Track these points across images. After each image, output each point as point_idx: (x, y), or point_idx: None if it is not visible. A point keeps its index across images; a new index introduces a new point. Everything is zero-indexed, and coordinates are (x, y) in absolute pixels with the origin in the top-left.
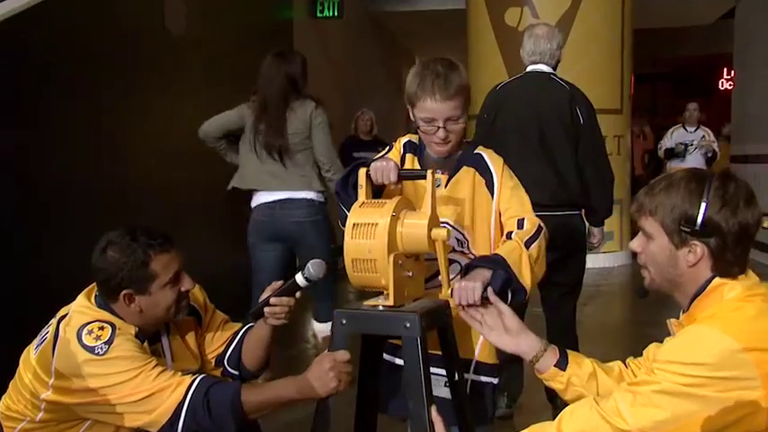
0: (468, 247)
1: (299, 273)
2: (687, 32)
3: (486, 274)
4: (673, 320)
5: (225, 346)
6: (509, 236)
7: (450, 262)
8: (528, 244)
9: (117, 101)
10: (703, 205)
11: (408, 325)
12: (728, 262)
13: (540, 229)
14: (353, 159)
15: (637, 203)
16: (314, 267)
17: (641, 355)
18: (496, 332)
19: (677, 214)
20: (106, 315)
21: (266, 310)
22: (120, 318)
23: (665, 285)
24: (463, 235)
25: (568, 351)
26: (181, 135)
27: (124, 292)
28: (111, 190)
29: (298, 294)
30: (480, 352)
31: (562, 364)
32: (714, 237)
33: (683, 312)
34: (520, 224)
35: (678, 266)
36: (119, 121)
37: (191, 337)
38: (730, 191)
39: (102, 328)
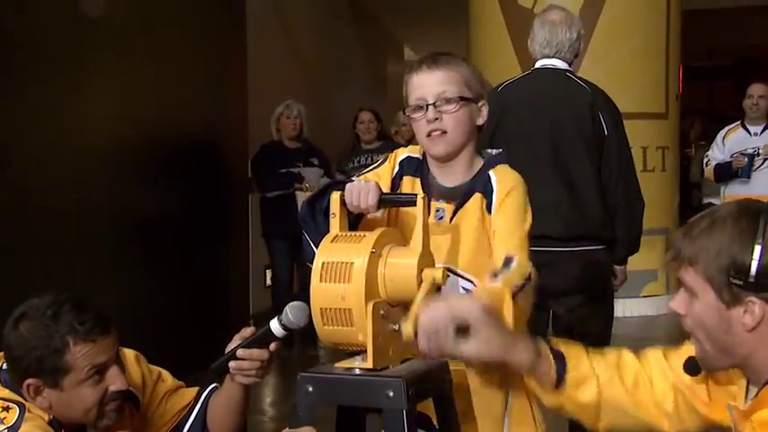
0: None
1: (275, 318)
2: (753, 14)
3: (457, 305)
4: (735, 405)
5: (180, 418)
6: (494, 276)
7: None
8: (514, 294)
9: (12, 98)
10: (758, 249)
11: (391, 394)
12: None
13: (528, 278)
14: (276, 175)
15: (673, 250)
16: (293, 312)
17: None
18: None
19: (724, 262)
20: (12, 394)
21: (232, 364)
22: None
23: (721, 359)
24: (472, 282)
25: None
26: (99, 140)
27: (29, 381)
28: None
29: (273, 346)
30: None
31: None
32: None
33: (750, 391)
34: (507, 263)
35: (733, 332)
36: (15, 124)
37: None
38: None
39: (6, 410)
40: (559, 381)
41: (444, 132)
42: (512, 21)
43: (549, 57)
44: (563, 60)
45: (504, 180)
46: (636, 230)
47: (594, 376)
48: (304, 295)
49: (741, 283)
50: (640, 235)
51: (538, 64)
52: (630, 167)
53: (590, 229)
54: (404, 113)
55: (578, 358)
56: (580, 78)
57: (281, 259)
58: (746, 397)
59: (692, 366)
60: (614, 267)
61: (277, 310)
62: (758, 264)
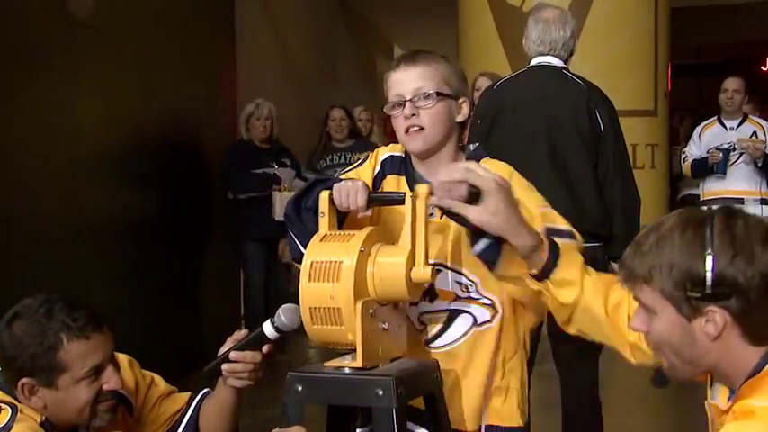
0: (478, 290)
1: (268, 321)
2: (742, 11)
3: (476, 169)
4: (712, 403)
5: (173, 423)
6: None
7: (458, 313)
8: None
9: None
10: (709, 259)
11: (381, 393)
12: (761, 324)
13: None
14: (251, 176)
15: (625, 269)
16: (286, 314)
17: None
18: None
19: (678, 276)
20: (5, 395)
21: (225, 367)
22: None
23: (689, 370)
24: (466, 276)
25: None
26: (89, 141)
27: (24, 380)
28: None
29: (265, 348)
30: (489, 415)
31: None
32: (734, 296)
33: (715, 387)
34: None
35: (698, 344)
36: (2, 125)
37: None
38: (739, 231)
39: None
40: (545, 273)
41: (422, 128)
42: (501, 19)
43: (543, 54)
44: (558, 58)
45: (498, 169)
46: (634, 227)
47: (580, 284)
48: (281, 300)
49: (699, 295)
50: (638, 229)
51: (533, 62)
52: (626, 164)
53: (588, 227)
54: (364, 110)
55: (573, 263)
56: (576, 75)
57: (255, 263)
58: (710, 388)
59: (661, 378)
60: (611, 265)
61: (250, 317)
62: (712, 274)
